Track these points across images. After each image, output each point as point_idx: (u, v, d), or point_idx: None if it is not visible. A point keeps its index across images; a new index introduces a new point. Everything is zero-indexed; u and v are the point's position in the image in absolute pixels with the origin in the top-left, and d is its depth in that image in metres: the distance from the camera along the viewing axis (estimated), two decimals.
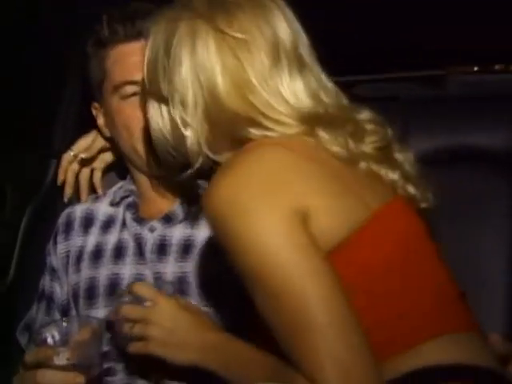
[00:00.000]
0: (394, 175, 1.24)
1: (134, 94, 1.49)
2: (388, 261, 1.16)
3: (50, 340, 1.36)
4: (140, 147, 1.50)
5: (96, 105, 1.59)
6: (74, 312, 1.57)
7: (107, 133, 1.59)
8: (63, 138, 1.76)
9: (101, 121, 1.59)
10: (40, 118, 1.78)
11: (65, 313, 1.60)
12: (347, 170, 1.20)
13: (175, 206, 1.54)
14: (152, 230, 1.53)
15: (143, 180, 1.57)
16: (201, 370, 1.22)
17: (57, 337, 1.37)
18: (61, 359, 1.32)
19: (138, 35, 1.48)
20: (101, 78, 1.53)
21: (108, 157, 1.67)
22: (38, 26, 1.78)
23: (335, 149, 1.19)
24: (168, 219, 1.53)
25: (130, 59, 1.50)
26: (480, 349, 1.16)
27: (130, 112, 1.50)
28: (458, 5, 1.89)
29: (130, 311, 1.27)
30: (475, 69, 1.99)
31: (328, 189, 1.16)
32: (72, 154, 1.65)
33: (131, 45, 1.50)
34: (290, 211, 1.11)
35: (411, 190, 1.26)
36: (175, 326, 1.23)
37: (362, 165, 1.22)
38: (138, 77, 1.46)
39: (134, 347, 1.26)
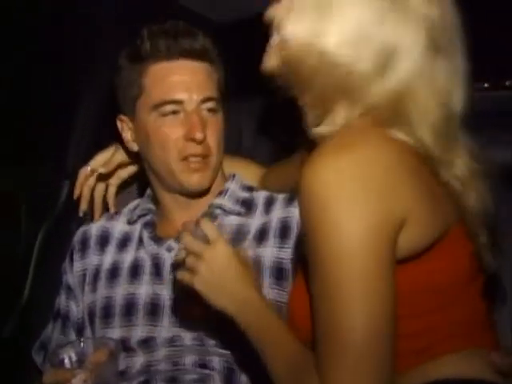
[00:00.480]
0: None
1: (173, 113, 1.49)
2: (450, 277, 1.17)
3: (67, 361, 1.37)
4: (175, 165, 1.50)
5: (123, 117, 1.57)
6: (89, 330, 1.57)
7: (134, 147, 1.57)
8: (77, 155, 1.76)
9: (127, 134, 1.57)
10: (55, 136, 1.78)
11: (80, 331, 1.59)
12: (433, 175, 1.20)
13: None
14: (169, 249, 1.52)
15: (167, 198, 1.56)
16: (229, 320, 1.25)
17: (74, 358, 1.38)
18: (78, 381, 1.32)
19: (180, 54, 1.49)
20: (136, 93, 1.52)
21: (124, 173, 1.67)
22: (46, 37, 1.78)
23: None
24: None
25: (172, 78, 1.50)
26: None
27: (167, 130, 1.49)
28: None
29: (190, 242, 1.28)
30: (485, 85, 2.00)
31: (423, 193, 1.15)
32: (89, 168, 1.64)
33: (173, 63, 1.50)
34: (385, 217, 1.09)
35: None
36: (223, 271, 1.26)
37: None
38: (178, 96, 1.48)
39: (182, 275, 1.29)
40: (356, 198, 1.08)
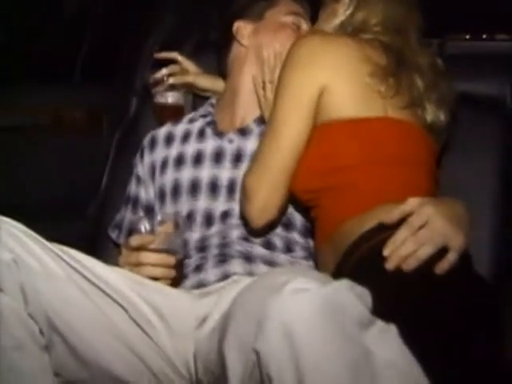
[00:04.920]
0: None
1: None
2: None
3: (143, 229, 1.65)
4: None
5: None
6: (157, 210, 1.85)
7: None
8: (142, 77, 2.16)
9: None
10: (128, 63, 2.19)
11: (148, 212, 1.88)
12: None
13: (249, 122, 1.86)
14: (230, 141, 1.83)
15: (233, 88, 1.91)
16: None
17: (148, 228, 1.66)
18: (156, 245, 1.61)
19: None
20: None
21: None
22: None
23: None
24: (243, 132, 1.84)
25: None
26: None
27: None
28: None
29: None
30: (467, 37, 2.41)
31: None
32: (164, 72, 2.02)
33: None
34: (307, 82, 1.62)
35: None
36: None
37: None
38: None
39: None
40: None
